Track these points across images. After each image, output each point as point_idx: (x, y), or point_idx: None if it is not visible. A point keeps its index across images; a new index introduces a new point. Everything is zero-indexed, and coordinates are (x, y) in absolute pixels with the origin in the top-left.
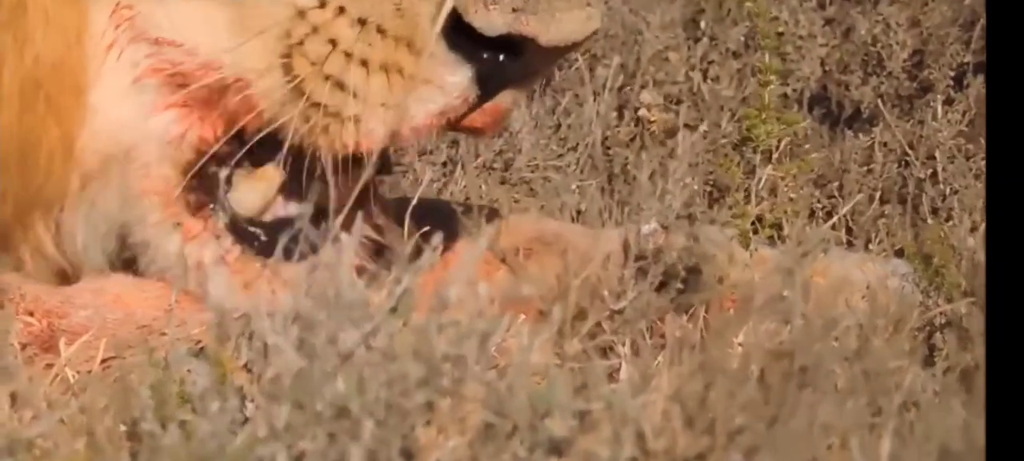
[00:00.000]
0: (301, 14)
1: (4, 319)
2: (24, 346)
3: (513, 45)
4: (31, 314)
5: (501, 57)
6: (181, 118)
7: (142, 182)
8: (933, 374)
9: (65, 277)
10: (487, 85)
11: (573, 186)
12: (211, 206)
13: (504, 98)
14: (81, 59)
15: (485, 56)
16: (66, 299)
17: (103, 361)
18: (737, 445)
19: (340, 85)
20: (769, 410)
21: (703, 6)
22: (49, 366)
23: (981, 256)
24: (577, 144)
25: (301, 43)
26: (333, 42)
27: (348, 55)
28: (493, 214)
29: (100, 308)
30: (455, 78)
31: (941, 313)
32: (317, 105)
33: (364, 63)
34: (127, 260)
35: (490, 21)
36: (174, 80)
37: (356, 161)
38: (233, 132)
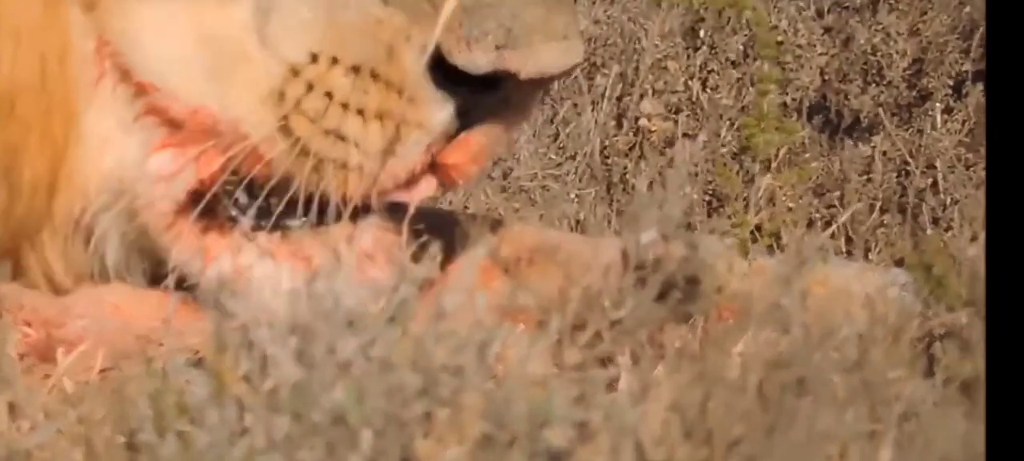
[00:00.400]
0: (294, 72)
1: (2, 329)
2: (22, 356)
3: (493, 80)
4: (29, 324)
5: (482, 92)
6: (176, 156)
7: (151, 219)
8: (933, 384)
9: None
10: (467, 118)
11: (572, 195)
12: (232, 216)
13: (478, 133)
14: (66, 83)
15: (466, 90)
16: (64, 309)
17: (101, 371)
18: (736, 455)
19: (341, 137)
20: (768, 420)
21: (702, 15)
22: (47, 376)
23: (982, 266)
24: (576, 153)
25: (298, 103)
26: (329, 95)
27: (345, 106)
28: (495, 224)
29: (98, 318)
30: (441, 115)
31: (941, 323)
32: (324, 160)
33: (360, 112)
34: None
35: (473, 60)
36: (169, 123)
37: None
38: (242, 180)
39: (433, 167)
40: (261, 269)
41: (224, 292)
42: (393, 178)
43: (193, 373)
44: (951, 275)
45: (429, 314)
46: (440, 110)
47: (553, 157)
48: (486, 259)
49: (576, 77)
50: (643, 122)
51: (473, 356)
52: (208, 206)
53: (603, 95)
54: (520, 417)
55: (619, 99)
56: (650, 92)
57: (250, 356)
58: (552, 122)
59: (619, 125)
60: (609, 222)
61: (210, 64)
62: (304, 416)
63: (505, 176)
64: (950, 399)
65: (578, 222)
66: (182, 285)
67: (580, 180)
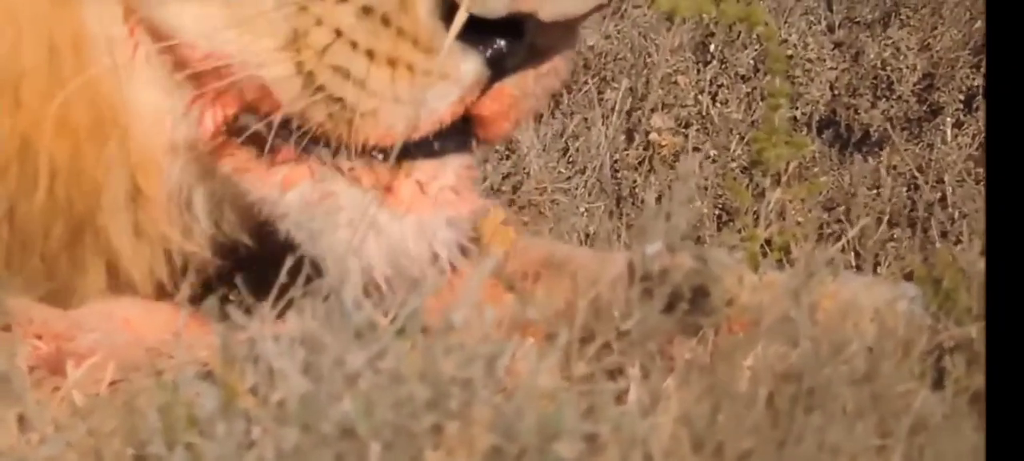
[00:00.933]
0: (303, 8)
1: (12, 342)
2: (32, 369)
3: (516, 25)
4: (39, 337)
5: (506, 40)
6: (201, 107)
7: (215, 165)
8: (942, 397)
9: (162, 290)
10: (498, 66)
11: (581, 209)
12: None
13: (511, 83)
14: (83, 69)
15: (490, 39)
16: (74, 323)
17: (111, 384)
18: None
19: (348, 76)
20: (777, 433)
21: (712, 30)
22: (57, 389)
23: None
24: (585, 167)
25: (306, 35)
26: (338, 31)
27: (354, 44)
28: None
29: (108, 331)
30: (468, 65)
31: (950, 336)
32: (336, 100)
33: (370, 54)
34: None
35: (488, 6)
36: (187, 73)
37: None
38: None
39: (466, 120)
40: (347, 196)
41: (306, 215)
42: (416, 129)
43: (202, 386)
44: (960, 288)
45: (438, 326)
46: (465, 61)
47: (563, 171)
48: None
49: (586, 91)
50: (653, 136)
51: (482, 369)
52: (261, 138)
53: (613, 109)
54: (529, 430)
55: (629, 113)
56: (660, 106)
57: (257, 368)
58: (562, 136)
59: (629, 139)
60: (619, 236)
61: (227, 16)
62: (312, 428)
63: (515, 190)
64: (959, 412)
65: (588, 236)
66: (192, 298)
67: (590, 194)
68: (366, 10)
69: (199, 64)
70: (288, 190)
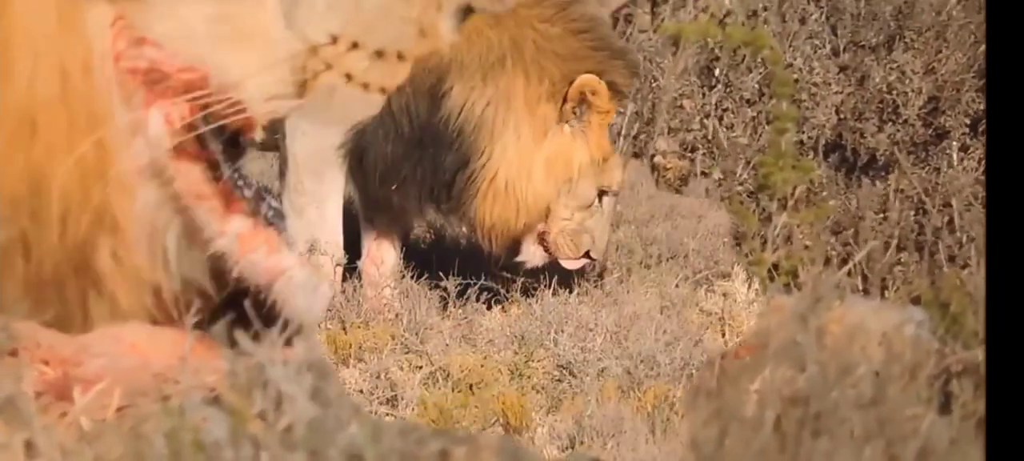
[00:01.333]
0: (313, 50)
1: (19, 367)
2: (39, 394)
3: None
4: (46, 362)
5: None
6: (160, 108)
7: (178, 187)
8: (950, 421)
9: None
10: None
11: None
12: (260, 206)
13: None
14: (91, 92)
15: None
16: (81, 348)
17: (118, 409)
18: None
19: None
20: (785, 457)
21: (718, 54)
22: (64, 414)
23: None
24: None
25: (315, 77)
26: (348, 76)
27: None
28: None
29: (115, 356)
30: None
31: (958, 360)
32: None
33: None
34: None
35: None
36: (151, 77)
37: None
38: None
39: None
40: (299, 276)
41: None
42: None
43: (209, 411)
44: (967, 312)
45: None
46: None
47: None
48: None
49: None
50: (659, 159)
51: None
52: (231, 177)
53: (619, 133)
54: (535, 454)
55: (635, 137)
56: (666, 130)
57: (265, 394)
58: None
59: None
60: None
61: (222, 36)
62: (320, 454)
63: None
64: (966, 436)
65: None
66: (199, 323)
67: None
68: (379, 54)
69: (175, 75)
70: (246, 253)
